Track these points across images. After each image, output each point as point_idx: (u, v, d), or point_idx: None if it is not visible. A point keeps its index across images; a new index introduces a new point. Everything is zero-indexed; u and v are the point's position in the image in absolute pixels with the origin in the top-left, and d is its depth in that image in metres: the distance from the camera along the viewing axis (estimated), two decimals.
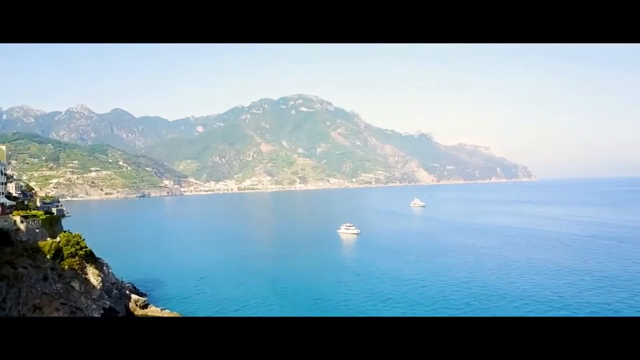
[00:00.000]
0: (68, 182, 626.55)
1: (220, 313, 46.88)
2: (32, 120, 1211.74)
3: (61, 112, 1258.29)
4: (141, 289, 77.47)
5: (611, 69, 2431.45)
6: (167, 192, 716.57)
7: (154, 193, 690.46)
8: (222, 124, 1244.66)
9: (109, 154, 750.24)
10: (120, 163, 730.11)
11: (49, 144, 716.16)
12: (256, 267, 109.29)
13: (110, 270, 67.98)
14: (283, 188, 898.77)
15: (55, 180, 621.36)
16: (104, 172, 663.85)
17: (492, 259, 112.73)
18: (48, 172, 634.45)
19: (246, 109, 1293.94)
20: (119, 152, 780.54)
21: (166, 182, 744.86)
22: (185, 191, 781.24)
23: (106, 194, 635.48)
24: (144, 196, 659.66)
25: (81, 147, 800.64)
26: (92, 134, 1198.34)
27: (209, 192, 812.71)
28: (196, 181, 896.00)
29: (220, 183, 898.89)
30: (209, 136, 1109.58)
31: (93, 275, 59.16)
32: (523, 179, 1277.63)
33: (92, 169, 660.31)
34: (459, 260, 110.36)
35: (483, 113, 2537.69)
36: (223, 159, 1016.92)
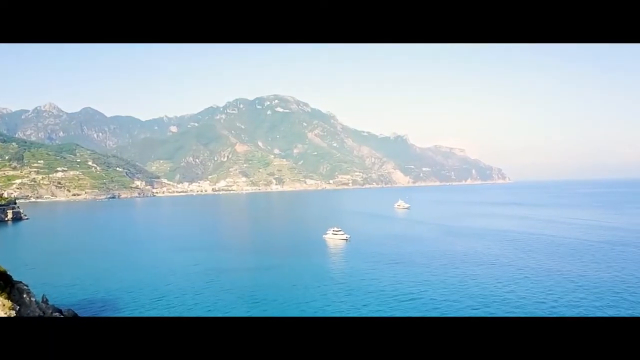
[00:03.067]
0: (32, 183, 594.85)
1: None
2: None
3: (28, 111, 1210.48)
4: (81, 314, 58.90)
5: (584, 69, 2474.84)
6: (139, 193, 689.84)
7: (124, 194, 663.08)
8: (196, 124, 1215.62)
9: (77, 154, 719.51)
10: (90, 163, 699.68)
11: (13, 143, 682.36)
12: (232, 281, 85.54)
13: (33, 299, 49.77)
14: (259, 189, 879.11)
15: (18, 181, 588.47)
16: (72, 173, 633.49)
17: (506, 269, 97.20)
18: (11, 172, 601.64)
19: (221, 109, 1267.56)
20: (88, 152, 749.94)
21: (137, 182, 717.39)
22: (157, 192, 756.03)
23: (74, 195, 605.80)
24: (113, 197, 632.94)
25: (48, 146, 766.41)
26: (61, 133, 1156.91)
27: (182, 194, 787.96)
28: (169, 182, 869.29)
29: (194, 184, 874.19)
30: (183, 136, 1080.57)
31: (1, 308, 41.53)
32: (498, 181, 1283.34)
33: (59, 169, 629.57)
34: (468, 272, 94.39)
35: (458, 115, 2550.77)
36: (197, 160, 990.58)
